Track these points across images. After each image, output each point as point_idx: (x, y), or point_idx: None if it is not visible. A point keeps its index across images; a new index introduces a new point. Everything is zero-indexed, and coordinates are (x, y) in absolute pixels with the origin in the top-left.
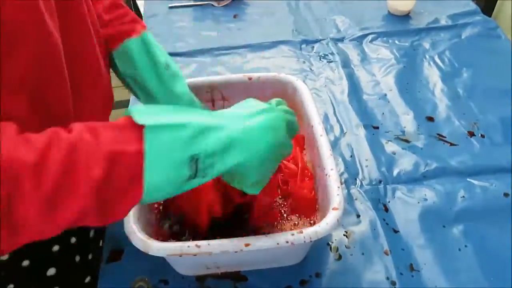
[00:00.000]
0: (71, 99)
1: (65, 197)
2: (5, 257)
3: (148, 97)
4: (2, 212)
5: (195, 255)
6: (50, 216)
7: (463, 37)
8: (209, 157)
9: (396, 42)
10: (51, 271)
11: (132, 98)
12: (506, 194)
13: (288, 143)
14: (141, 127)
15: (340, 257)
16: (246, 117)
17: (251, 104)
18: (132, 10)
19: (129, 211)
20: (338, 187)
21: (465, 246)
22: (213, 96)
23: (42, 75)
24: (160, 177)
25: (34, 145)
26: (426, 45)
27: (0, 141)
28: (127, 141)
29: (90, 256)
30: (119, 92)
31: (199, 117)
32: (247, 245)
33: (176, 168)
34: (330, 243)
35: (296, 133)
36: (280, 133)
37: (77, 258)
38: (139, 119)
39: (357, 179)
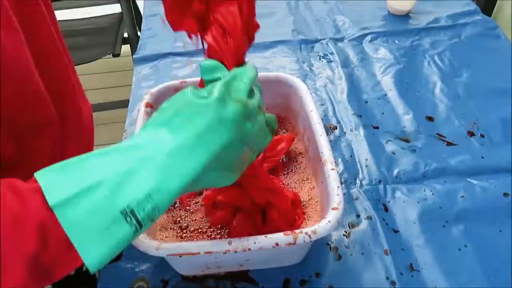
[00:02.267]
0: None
1: None
2: None
3: None
4: None
5: (195, 255)
6: None
7: (463, 37)
8: (145, 201)
9: (396, 42)
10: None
11: (132, 98)
12: (506, 194)
13: (238, 145)
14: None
15: (340, 257)
16: (172, 131)
17: (183, 107)
18: (132, 12)
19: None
20: (338, 187)
21: (465, 246)
22: None
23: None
24: (98, 248)
25: None
26: (426, 45)
27: None
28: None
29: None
30: (119, 92)
31: (115, 164)
32: (247, 245)
33: (110, 232)
34: (330, 243)
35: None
36: (219, 143)
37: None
38: (48, 195)
39: (357, 179)
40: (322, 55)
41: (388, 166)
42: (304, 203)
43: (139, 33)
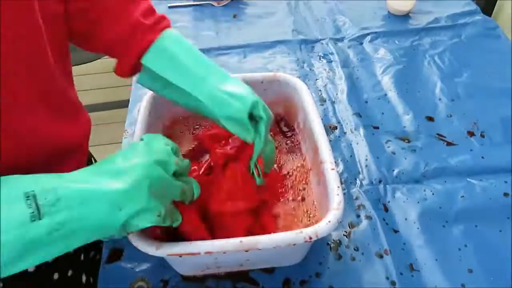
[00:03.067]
0: None
1: None
2: None
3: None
4: None
5: (195, 255)
6: None
7: (463, 37)
8: (48, 192)
9: (396, 42)
10: None
11: (132, 98)
12: (506, 194)
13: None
14: None
15: (340, 257)
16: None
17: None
18: None
19: None
20: (338, 187)
21: (465, 246)
22: None
23: None
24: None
25: None
26: (426, 45)
27: None
28: None
29: (69, 273)
30: (119, 92)
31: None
32: (247, 245)
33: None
34: (330, 243)
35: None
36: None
37: (56, 276)
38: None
39: (357, 179)
40: (322, 55)
41: (388, 166)
42: (305, 203)
43: None
